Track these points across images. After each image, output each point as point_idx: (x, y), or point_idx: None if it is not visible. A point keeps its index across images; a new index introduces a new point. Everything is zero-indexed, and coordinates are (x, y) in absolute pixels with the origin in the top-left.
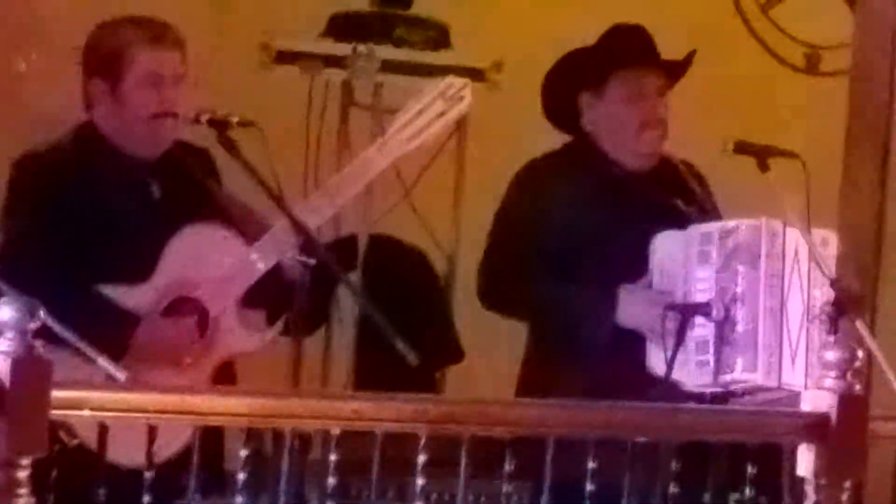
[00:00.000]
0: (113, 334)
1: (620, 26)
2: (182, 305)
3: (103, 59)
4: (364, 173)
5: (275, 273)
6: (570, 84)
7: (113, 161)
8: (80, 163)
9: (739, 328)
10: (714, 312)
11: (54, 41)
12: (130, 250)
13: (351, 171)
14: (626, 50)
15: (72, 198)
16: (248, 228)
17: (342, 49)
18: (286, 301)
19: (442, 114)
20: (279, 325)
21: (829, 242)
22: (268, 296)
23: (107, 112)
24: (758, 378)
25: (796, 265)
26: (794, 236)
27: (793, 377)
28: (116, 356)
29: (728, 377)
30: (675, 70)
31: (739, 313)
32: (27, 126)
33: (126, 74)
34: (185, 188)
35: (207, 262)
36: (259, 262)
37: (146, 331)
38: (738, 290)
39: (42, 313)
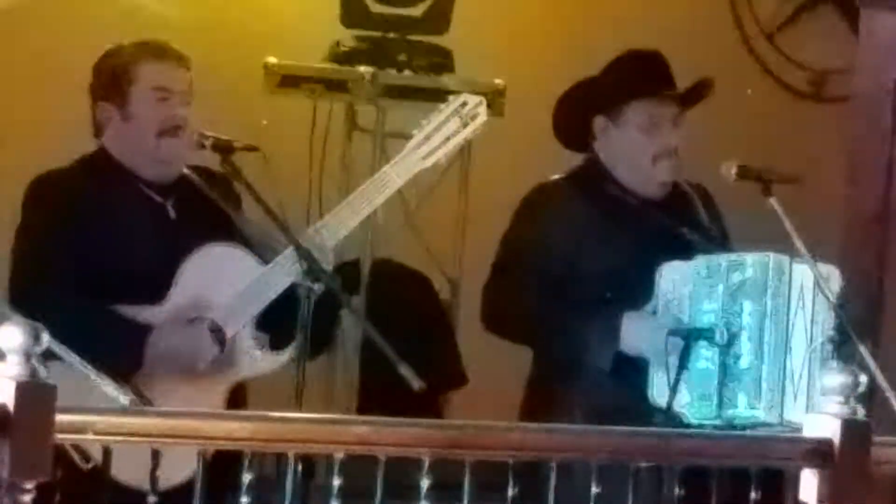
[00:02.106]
0: (129, 346)
1: (639, 53)
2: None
3: (108, 81)
4: (379, 192)
5: (287, 296)
6: (585, 107)
7: (126, 183)
8: (93, 185)
9: (743, 363)
10: (718, 337)
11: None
12: (145, 271)
13: (366, 191)
14: (644, 78)
15: (85, 219)
16: (264, 251)
17: (345, 73)
18: (296, 324)
19: (457, 132)
20: (293, 346)
21: (832, 277)
22: (281, 319)
23: (116, 135)
24: (760, 414)
25: (801, 301)
26: (799, 270)
27: (795, 414)
28: (132, 369)
29: (730, 412)
30: (692, 99)
31: (743, 348)
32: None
33: (132, 93)
34: (201, 210)
35: (222, 282)
36: (274, 283)
37: (161, 337)
38: (743, 324)
39: (46, 337)
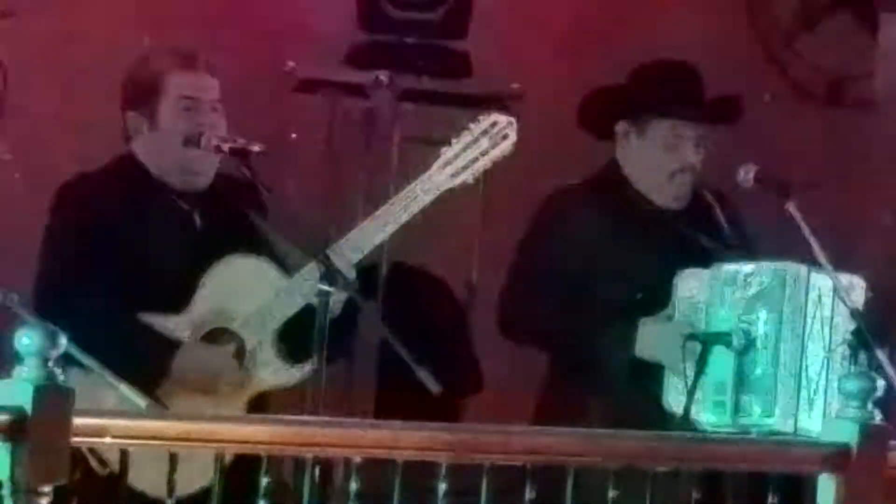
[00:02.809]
0: (154, 360)
1: (670, 65)
2: (219, 336)
3: (138, 90)
4: (406, 210)
5: (310, 309)
6: (609, 110)
7: (153, 191)
8: (120, 191)
9: (758, 371)
10: (735, 342)
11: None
12: (170, 279)
13: (392, 208)
14: (672, 96)
15: (111, 225)
16: (289, 262)
17: (363, 77)
18: (319, 337)
19: (486, 152)
20: (314, 359)
21: (855, 287)
22: (303, 330)
23: (145, 144)
24: (775, 423)
25: (818, 310)
26: (818, 277)
27: (810, 423)
28: (157, 381)
29: (745, 420)
30: (719, 120)
31: (759, 356)
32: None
33: (161, 104)
34: (228, 219)
35: (245, 293)
36: (297, 295)
37: (185, 357)
38: (759, 332)
39: (64, 341)
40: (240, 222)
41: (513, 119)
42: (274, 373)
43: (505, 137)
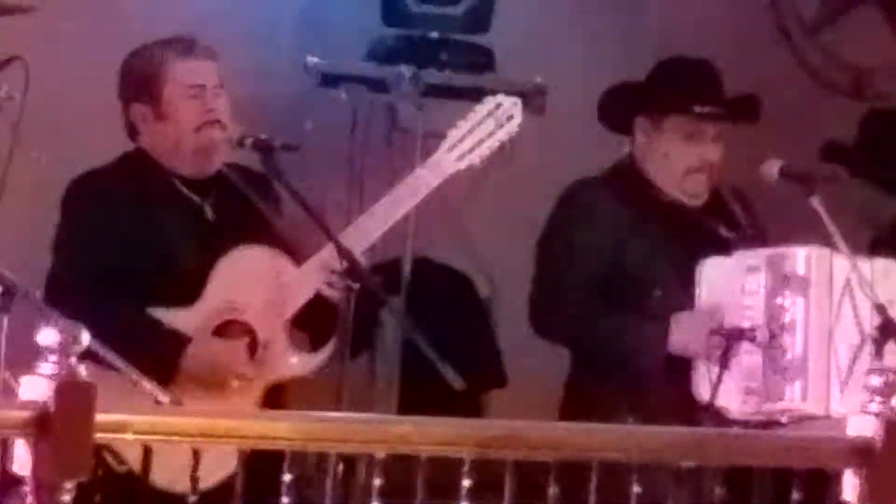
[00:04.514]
0: (164, 355)
1: (688, 62)
2: (231, 327)
3: (139, 83)
4: (414, 194)
5: (322, 296)
6: (627, 105)
7: (165, 182)
8: (131, 185)
9: (788, 356)
10: (759, 337)
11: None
12: (181, 272)
13: (400, 192)
14: (687, 93)
15: (123, 219)
16: (299, 251)
17: (386, 72)
18: (333, 325)
19: (491, 133)
20: (329, 348)
21: (891, 273)
22: (316, 319)
23: (152, 135)
24: (808, 407)
25: (847, 293)
26: (843, 263)
27: (841, 406)
28: (168, 376)
29: (777, 406)
30: (736, 117)
31: (788, 341)
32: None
33: (165, 92)
34: (239, 210)
35: (256, 284)
36: (307, 284)
37: (197, 351)
38: (787, 318)
39: (86, 336)
40: (251, 212)
41: (517, 100)
42: (288, 363)
43: (510, 118)
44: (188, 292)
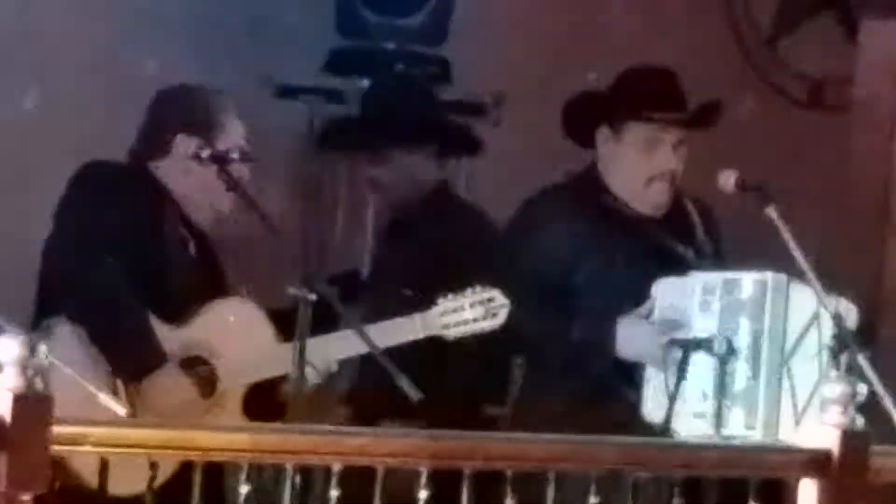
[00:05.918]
0: (136, 365)
1: (650, 70)
2: (197, 364)
3: (198, 118)
4: (403, 337)
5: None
6: (589, 116)
7: (168, 206)
8: (142, 186)
9: (739, 382)
10: (716, 346)
11: None
12: (172, 293)
13: (391, 332)
14: (648, 100)
15: (127, 214)
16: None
17: (344, 84)
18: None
19: (477, 320)
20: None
21: (850, 314)
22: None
23: (174, 168)
24: (756, 434)
25: (800, 321)
26: (799, 290)
27: (791, 435)
28: (131, 378)
29: (725, 431)
30: (698, 124)
31: (740, 367)
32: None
33: (219, 140)
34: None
35: (236, 338)
36: (281, 363)
37: (160, 378)
38: (740, 343)
39: (44, 349)
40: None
41: (507, 302)
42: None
43: (495, 316)
44: (178, 314)
